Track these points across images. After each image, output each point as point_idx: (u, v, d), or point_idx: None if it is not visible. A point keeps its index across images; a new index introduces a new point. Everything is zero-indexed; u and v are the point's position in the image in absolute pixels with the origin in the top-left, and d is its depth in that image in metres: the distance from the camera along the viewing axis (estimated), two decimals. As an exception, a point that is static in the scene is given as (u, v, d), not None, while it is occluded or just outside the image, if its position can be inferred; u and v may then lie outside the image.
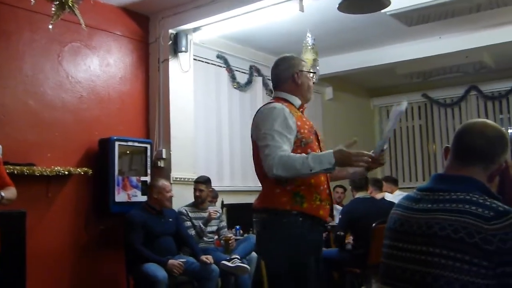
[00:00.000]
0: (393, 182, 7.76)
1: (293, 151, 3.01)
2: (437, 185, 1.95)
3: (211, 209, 6.10)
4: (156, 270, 5.02)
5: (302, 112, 3.31)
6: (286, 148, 2.95)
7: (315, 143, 3.18)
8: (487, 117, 10.00)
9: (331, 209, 3.20)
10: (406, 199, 2.05)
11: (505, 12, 6.47)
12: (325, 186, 3.14)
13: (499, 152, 1.94)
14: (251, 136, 3.19)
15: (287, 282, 3.04)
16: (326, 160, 2.85)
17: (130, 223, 5.30)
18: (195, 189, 6.04)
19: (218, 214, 6.19)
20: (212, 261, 5.35)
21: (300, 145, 3.06)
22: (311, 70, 3.40)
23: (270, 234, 3.10)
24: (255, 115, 3.20)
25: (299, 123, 3.09)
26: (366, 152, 2.89)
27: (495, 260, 1.67)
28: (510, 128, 9.91)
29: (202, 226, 5.83)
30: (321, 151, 3.16)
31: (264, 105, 3.22)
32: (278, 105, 3.12)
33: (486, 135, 1.94)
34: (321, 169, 2.85)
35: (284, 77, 3.30)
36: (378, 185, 6.90)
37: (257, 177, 3.26)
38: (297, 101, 3.27)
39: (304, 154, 2.91)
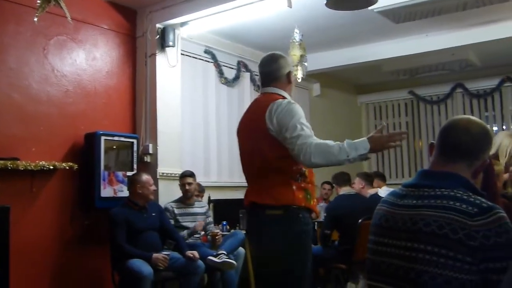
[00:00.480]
0: (381, 177, 7.77)
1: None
2: (422, 181, 1.97)
3: (197, 204, 6.10)
4: (141, 266, 4.99)
5: None
6: (315, 137, 3.03)
7: None
8: (472, 115, 10.00)
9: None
10: (392, 195, 2.07)
11: (490, 10, 6.51)
12: (313, 183, 3.31)
13: (483, 148, 1.97)
14: (266, 130, 3.14)
15: (302, 275, 3.14)
16: (362, 146, 2.91)
17: (112, 221, 5.26)
18: (183, 184, 6.01)
19: (205, 210, 6.18)
20: (198, 256, 5.34)
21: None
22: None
23: (284, 229, 3.12)
24: (267, 109, 3.17)
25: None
26: (397, 131, 2.92)
27: (478, 256, 1.70)
28: (495, 126, 9.97)
29: (186, 236, 5.81)
30: None
31: (274, 101, 3.21)
32: (291, 100, 3.26)
33: (470, 132, 1.96)
34: (357, 154, 2.90)
35: (280, 74, 3.39)
36: (369, 180, 6.89)
37: (242, 173, 3.35)
38: (288, 97, 3.34)
39: (338, 142, 2.98)
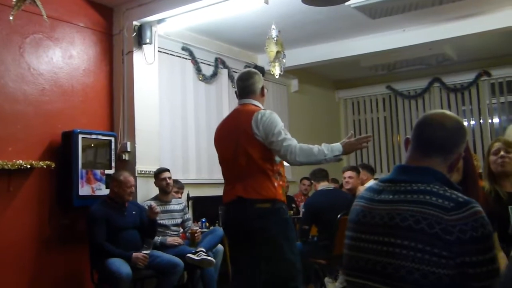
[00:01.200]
0: (369, 169, 7.77)
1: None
2: (399, 176, 1.98)
3: (174, 201, 6.10)
4: (120, 266, 4.98)
5: None
6: (296, 141, 3.62)
7: None
8: (449, 109, 10.15)
9: None
10: (368, 190, 2.07)
11: (466, 5, 6.57)
12: (284, 181, 3.96)
13: (457, 142, 1.98)
14: (252, 135, 3.69)
15: (289, 250, 3.65)
16: (336, 148, 3.59)
17: (92, 219, 5.24)
18: (163, 179, 5.99)
19: (182, 207, 6.18)
20: (157, 210, 5.45)
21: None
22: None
23: (275, 219, 3.66)
24: (252, 117, 3.72)
25: None
26: (364, 135, 3.70)
27: (455, 250, 1.71)
28: (473, 120, 10.06)
29: (158, 244, 5.78)
30: None
31: (257, 111, 3.76)
32: (270, 111, 3.80)
33: (445, 127, 1.98)
34: (333, 155, 3.56)
35: (255, 88, 3.94)
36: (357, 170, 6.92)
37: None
38: (262, 108, 3.89)
39: (316, 145, 3.58)
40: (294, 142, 3.58)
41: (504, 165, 3.45)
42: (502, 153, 3.46)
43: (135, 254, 5.12)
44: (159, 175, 6.02)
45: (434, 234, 1.73)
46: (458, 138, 1.99)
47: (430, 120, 2.01)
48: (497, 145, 3.53)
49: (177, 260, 5.34)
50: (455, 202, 1.78)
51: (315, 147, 3.55)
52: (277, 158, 3.74)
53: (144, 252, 5.23)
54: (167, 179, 5.99)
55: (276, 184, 3.70)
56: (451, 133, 1.98)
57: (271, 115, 3.69)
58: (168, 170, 6.09)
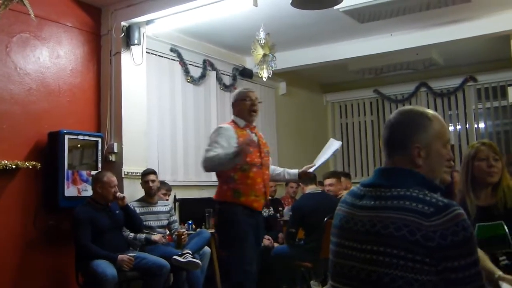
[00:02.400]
0: (348, 177, 7.82)
1: None
2: (379, 180, 1.97)
3: (160, 203, 6.08)
4: (105, 267, 4.95)
5: (251, 130, 4.52)
6: (216, 150, 4.18)
7: (256, 154, 4.33)
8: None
9: (266, 202, 4.51)
10: (351, 195, 2.06)
11: (453, 10, 6.61)
12: (261, 185, 4.34)
13: (408, 135, 1.95)
14: None
15: (233, 249, 4.28)
16: (230, 153, 4.07)
17: (76, 220, 5.20)
18: (146, 181, 5.98)
19: (168, 208, 6.17)
20: (121, 195, 5.48)
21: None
22: (248, 98, 4.54)
23: (223, 219, 4.37)
24: None
25: (240, 139, 4.25)
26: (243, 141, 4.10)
27: (436, 256, 1.70)
28: (459, 124, 10.12)
29: (143, 241, 5.75)
30: (261, 159, 4.39)
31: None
32: (224, 125, 4.49)
33: (390, 124, 2.00)
34: (227, 158, 4.07)
35: (232, 106, 4.64)
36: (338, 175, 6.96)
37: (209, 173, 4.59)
38: (241, 123, 4.50)
39: (221, 152, 4.15)
40: (207, 153, 4.20)
41: (493, 176, 3.22)
42: (491, 161, 3.22)
43: (120, 256, 5.10)
44: (144, 177, 6.01)
45: (415, 241, 1.72)
46: (406, 130, 1.96)
47: (386, 121, 2.04)
48: (484, 149, 3.28)
49: (163, 262, 5.32)
50: (435, 207, 1.75)
51: (215, 155, 4.15)
52: None
53: (130, 254, 5.21)
54: (150, 182, 5.97)
55: (225, 187, 4.32)
56: (395, 129, 1.98)
57: (218, 130, 4.40)
58: (153, 173, 6.07)
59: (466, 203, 3.21)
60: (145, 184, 5.99)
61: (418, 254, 1.71)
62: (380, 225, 1.81)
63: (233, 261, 4.30)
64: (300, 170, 4.61)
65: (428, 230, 1.71)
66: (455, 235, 1.70)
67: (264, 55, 6.16)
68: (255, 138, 4.40)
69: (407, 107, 2.08)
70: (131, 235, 5.72)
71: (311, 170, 4.56)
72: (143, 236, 5.75)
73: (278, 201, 7.88)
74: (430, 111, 2.03)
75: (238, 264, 4.23)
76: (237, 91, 4.72)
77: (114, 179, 5.46)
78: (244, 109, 4.51)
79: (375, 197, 1.91)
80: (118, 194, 5.43)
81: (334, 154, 4.60)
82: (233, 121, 4.53)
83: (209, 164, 4.19)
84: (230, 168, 4.21)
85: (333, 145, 4.60)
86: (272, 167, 4.69)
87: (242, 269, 4.20)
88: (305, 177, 4.88)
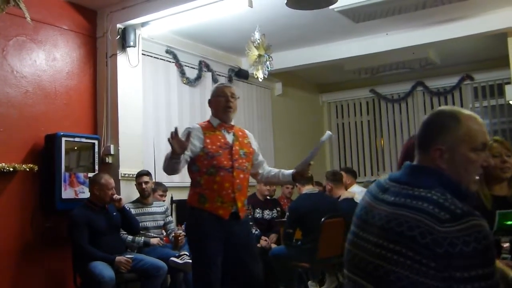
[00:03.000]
0: (352, 173, 7.77)
1: (200, 161, 4.00)
2: (405, 176, 1.95)
3: (156, 204, 6.09)
4: (103, 269, 4.96)
5: (227, 129, 4.18)
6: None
7: (226, 156, 4.01)
8: (433, 113, 10.19)
9: (238, 209, 4.03)
10: (376, 185, 2.05)
11: (449, 9, 6.61)
12: (230, 191, 3.97)
13: (430, 136, 1.94)
14: None
15: (195, 260, 4.09)
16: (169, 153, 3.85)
17: (73, 223, 5.21)
18: (139, 183, 5.99)
19: (164, 209, 6.17)
20: (118, 197, 5.46)
21: (207, 157, 3.98)
22: (224, 94, 4.19)
23: (189, 223, 4.28)
24: None
25: (208, 140, 4.02)
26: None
27: (441, 263, 1.66)
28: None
29: (141, 244, 5.77)
30: (233, 162, 4.02)
31: None
32: (192, 126, 4.18)
33: (422, 123, 1.99)
34: (166, 158, 3.91)
35: (208, 104, 4.30)
36: (336, 178, 6.91)
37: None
38: (216, 121, 4.18)
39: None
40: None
41: (506, 171, 3.26)
42: (504, 157, 3.26)
43: (118, 258, 5.10)
44: (137, 178, 6.04)
45: (425, 244, 1.69)
46: (427, 132, 1.96)
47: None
48: (497, 146, 3.29)
49: (161, 263, 5.33)
50: (451, 214, 1.71)
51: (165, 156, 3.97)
52: (195, 167, 4.06)
53: (127, 256, 5.21)
54: (143, 184, 5.98)
55: (191, 192, 4.10)
56: (425, 128, 1.98)
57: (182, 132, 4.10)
58: (147, 174, 6.08)
59: (481, 198, 3.21)
60: (138, 185, 6.00)
61: (425, 257, 1.69)
62: (395, 223, 1.80)
63: (193, 275, 4.13)
64: (294, 171, 4.19)
65: (438, 235, 1.68)
66: (465, 245, 1.65)
67: (259, 56, 6.16)
68: (229, 138, 4.13)
69: (445, 106, 2.04)
70: (129, 237, 5.72)
71: (302, 165, 4.13)
72: (141, 239, 5.75)
73: (276, 201, 7.87)
74: (466, 112, 1.95)
75: (194, 280, 4.08)
76: (213, 87, 4.47)
77: (111, 181, 5.47)
78: (218, 106, 4.17)
79: (396, 193, 1.90)
80: (115, 196, 5.44)
81: (320, 145, 4.09)
82: (208, 120, 4.25)
83: (163, 167, 4.00)
84: (180, 169, 3.98)
85: (326, 138, 4.11)
86: (267, 169, 4.39)
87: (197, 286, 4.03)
88: (301, 178, 4.53)
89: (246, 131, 4.39)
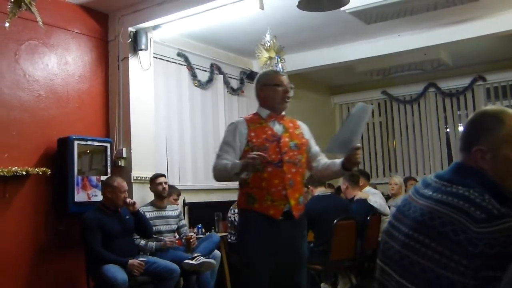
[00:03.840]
0: (365, 176, 7.77)
1: (245, 158, 3.54)
2: (448, 174, 1.93)
3: (169, 207, 6.08)
4: (115, 272, 4.96)
5: (278, 120, 3.81)
6: (226, 156, 3.66)
7: (273, 149, 3.65)
8: (445, 114, 10.19)
9: (290, 207, 3.64)
10: (421, 181, 2.05)
11: (461, 10, 6.59)
12: (280, 188, 3.60)
13: (472, 136, 1.90)
14: None
15: (243, 266, 3.71)
16: (236, 167, 3.52)
17: (86, 226, 5.21)
18: (159, 184, 5.99)
19: (177, 213, 6.17)
20: (132, 201, 5.46)
21: (251, 152, 3.54)
22: (281, 83, 3.79)
23: (238, 227, 3.93)
24: None
25: (252, 134, 3.68)
26: (254, 153, 3.46)
27: (476, 263, 1.62)
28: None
29: (153, 249, 5.73)
30: (282, 156, 3.64)
31: None
32: (236, 120, 3.86)
33: (466, 122, 1.96)
34: (233, 173, 3.55)
35: (256, 93, 3.89)
36: (354, 180, 6.93)
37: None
38: (265, 112, 3.81)
39: (229, 162, 3.60)
40: (217, 160, 3.70)
41: None
42: None
43: (131, 261, 5.10)
44: (155, 180, 6.02)
45: (457, 241, 1.67)
46: (469, 132, 1.93)
47: None
48: None
49: (174, 265, 5.32)
50: (488, 214, 1.67)
51: (224, 166, 3.62)
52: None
53: (140, 259, 5.21)
54: (163, 184, 5.99)
55: (239, 192, 3.79)
56: (466, 127, 1.96)
57: (227, 127, 3.87)
58: (164, 175, 6.09)
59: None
60: (156, 186, 5.98)
61: (456, 254, 1.66)
62: (428, 216, 1.80)
63: (241, 282, 3.82)
64: (344, 158, 3.63)
65: (473, 235, 1.64)
66: (503, 247, 1.61)
67: (270, 58, 6.15)
68: (279, 129, 3.76)
69: (490, 106, 2.01)
70: (142, 242, 5.72)
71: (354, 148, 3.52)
72: (153, 243, 5.74)
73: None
74: (511, 112, 1.90)
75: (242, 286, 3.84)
76: (262, 73, 4.00)
77: (124, 184, 5.47)
78: (275, 96, 3.77)
79: (436, 188, 1.89)
80: (129, 200, 5.44)
81: (358, 117, 3.53)
82: (256, 112, 3.87)
83: (217, 176, 3.73)
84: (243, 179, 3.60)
85: (362, 111, 3.53)
86: (322, 161, 3.91)
87: None
88: (351, 165, 3.67)
89: (298, 121, 4.03)
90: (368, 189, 7.25)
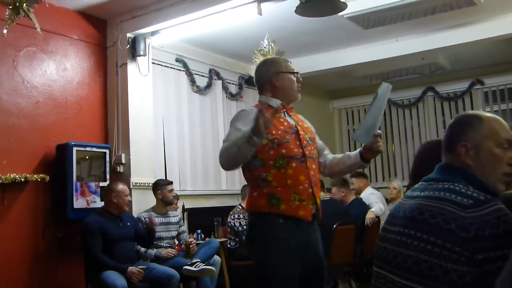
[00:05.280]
0: (363, 176, 7.77)
1: (264, 152, 3.12)
2: (434, 175, 2.03)
3: (171, 214, 6.07)
4: (115, 278, 4.95)
5: (287, 112, 3.42)
6: (231, 137, 3.11)
7: (294, 142, 3.22)
8: (443, 118, 10.19)
9: (317, 208, 3.25)
10: (412, 188, 2.12)
11: (458, 14, 6.59)
12: (306, 185, 3.16)
13: (456, 134, 2.00)
14: None
15: (266, 282, 3.12)
16: (246, 133, 2.96)
17: (87, 230, 5.21)
18: (170, 190, 6.01)
19: (178, 219, 6.16)
20: (156, 222, 5.51)
21: (273, 146, 3.14)
22: (293, 70, 3.51)
23: (255, 234, 3.22)
24: None
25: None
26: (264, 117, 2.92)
27: (471, 247, 1.68)
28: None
29: (153, 256, 5.71)
30: (303, 150, 3.22)
31: None
32: (249, 107, 3.34)
33: (448, 126, 2.06)
34: (242, 140, 2.96)
35: (264, 81, 3.43)
36: (345, 184, 6.97)
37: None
38: (276, 102, 3.34)
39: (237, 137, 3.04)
40: (223, 144, 3.16)
41: None
42: None
43: (130, 268, 5.09)
44: (165, 187, 6.00)
45: (449, 229, 1.74)
46: (452, 131, 2.02)
47: None
48: None
49: (173, 271, 5.32)
50: (474, 200, 1.77)
51: (231, 142, 3.07)
52: (258, 162, 3.16)
53: (140, 266, 5.21)
54: (172, 191, 6.05)
55: (256, 193, 3.19)
56: (448, 129, 2.04)
57: (237, 113, 3.35)
58: (172, 182, 6.15)
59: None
60: (168, 193, 5.98)
61: (449, 242, 1.72)
62: (417, 211, 1.87)
63: None
64: (362, 148, 3.25)
65: (464, 221, 1.72)
66: (494, 228, 1.69)
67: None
68: (292, 122, 3.37)
69: (467, 112, 2.11)
70: (142, 249, 5.70)
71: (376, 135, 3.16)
72: (153, 251, 5.72)
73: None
74: (488, 114, 2.01)
75: None
76: (269, 60, 3.65)
77: (126, 188, 5.53)
78: (290, 85, 3.46)
79: (422, 189, 1.99)
80: (153, 218, 5.54)
81: (380, 100, 3.36)
82: (261, 102, 3.39)
83: (225, 157, 3.10)
84: (252, 153, 3.06)
85: (386, 91, 3.35)
86: (330, 157, 3.53)
87: None
88: (372, 155, 3.26)
89: (300, 115, 3.68)
90: (369, 190, 7.27)
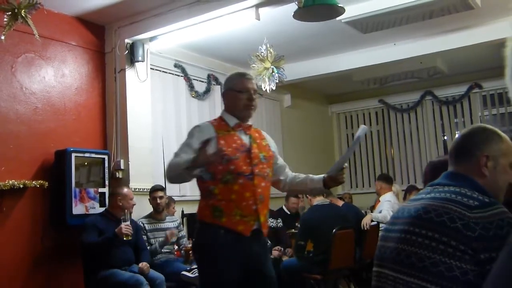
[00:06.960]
0: (387, 180, 7.73)
1: (214, 167, 3.23)
2: (440, 180, 2.06)
3: (168, 219, 6.06)
4: (114, 285, 4.95)
5: (245, 130, 3.47)
6: (183, 156, 3.28)
7: (244, 160, 3.32)
8: (442, 121, 10.21)
9: (261, 226, 3.33)
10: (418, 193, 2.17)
11: (456, 18, 6.60)
12: (251, 202, 3.27)
13: (478, 143, 2.02)
14: None
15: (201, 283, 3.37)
16: (188, 161, 3.16)
17: (84, 226, 5.23)
18: (153, 198, 5.97)
19: (177, 224, 6.15)
20: (147, 271, 5.25)
21: (222, 162, 3.23)
22: (247, 89, 3.47)
23: (199, 242, 3.38)
24: None
25: (222, 141, 3.28)
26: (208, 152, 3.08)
27: (476, 246, 1.72)
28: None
29: (158, 248, 5.76)
30: (252, 167, 3.32)
31: None
32: (201, 124, 3.53)
33: (464, 134, 2.09)
34: (182, 167, 3.15)
35: (222, 96, 3.59)
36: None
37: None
38: (232, 120, 3.46)
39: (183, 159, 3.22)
40: (173, 158, 3.34)
41: None
42: None
43: (118, 228, 5.04)
44: (151, 193, 6.02)
45: (455, 227, 1.77)
46: (475, 140, 2.03)
47: (461, 132, 2.15)
48: None
49: (141, 278, 5.12)
50: (480, 202, 1.83)
51: (178, 160, 3.26)
52: (208, 175, 3.29)
53: (124, 223, 5.13)
54: (158, 199, 5.96)
55: (203, 204, 3.36)
56: (467, 137, 2.07)
57: (193, 129, 3.53)
58: (161, 189, 6.06)
59: None
60: (152, 200, 5.98)
61: (454, 239, 1.76)
62: (423, 211, 1.90)
63: None
64: (326, 176, 3.45)
65: (470, 220, 1.77)
66: (499, 229, 1.74)
67: (265, 69, 6.15)
68: (246, 140, 3.41)
69: (481, 125, 2.15)
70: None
71: (336, 168, 3.41)
72: (156, 243, 5.74)
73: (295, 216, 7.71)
74: (503, 133, 2.08)
75: None
76: (229, 76, 3.64)
77: (131, 192, 5.58)
78: (237, 103, 3.45)
79: (428, 192, 2.03)
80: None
81: (357, 143, 3.41)
82: (220, 118, 3.52)
83: (169, 173, 3.30)
84: (192, 179, 3.33)
85: (363, 133, 3.38)
86: (290, 175, 3.68)
87: None
88: (334, 184, 3.52)
89: (263, 132, 3.70)
90: (388, 196, 7.20)
